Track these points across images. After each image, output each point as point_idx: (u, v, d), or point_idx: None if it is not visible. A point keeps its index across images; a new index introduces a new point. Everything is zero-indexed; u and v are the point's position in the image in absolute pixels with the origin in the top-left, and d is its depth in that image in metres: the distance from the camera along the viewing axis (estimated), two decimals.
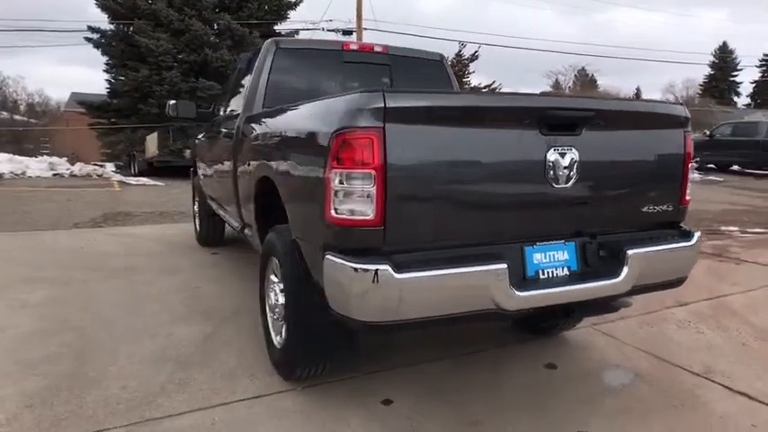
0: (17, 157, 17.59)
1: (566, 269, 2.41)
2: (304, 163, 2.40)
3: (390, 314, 2.07)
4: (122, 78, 18.84)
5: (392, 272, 1.99)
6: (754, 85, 48.42)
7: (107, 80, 19.91)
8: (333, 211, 2.10)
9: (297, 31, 21.92)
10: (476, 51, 25.00)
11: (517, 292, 2.18)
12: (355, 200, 2.05)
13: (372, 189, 2.02)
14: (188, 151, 16.48)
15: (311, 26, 22.46)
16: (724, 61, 48.27)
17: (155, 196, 11.57)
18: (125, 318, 3.88)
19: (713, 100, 40.91)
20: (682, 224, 2.79)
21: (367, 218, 2.04)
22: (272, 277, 3.08)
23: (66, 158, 19.36)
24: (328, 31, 22.12)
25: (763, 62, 47.16)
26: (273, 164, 2.82)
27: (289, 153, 2.59)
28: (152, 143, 15.69)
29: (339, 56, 4.03)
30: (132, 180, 14.87)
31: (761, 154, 17.57)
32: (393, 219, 2.05)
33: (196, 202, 6.33)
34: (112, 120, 20.17)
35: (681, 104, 2.75)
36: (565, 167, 2.30)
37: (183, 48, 18.09)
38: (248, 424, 2.56)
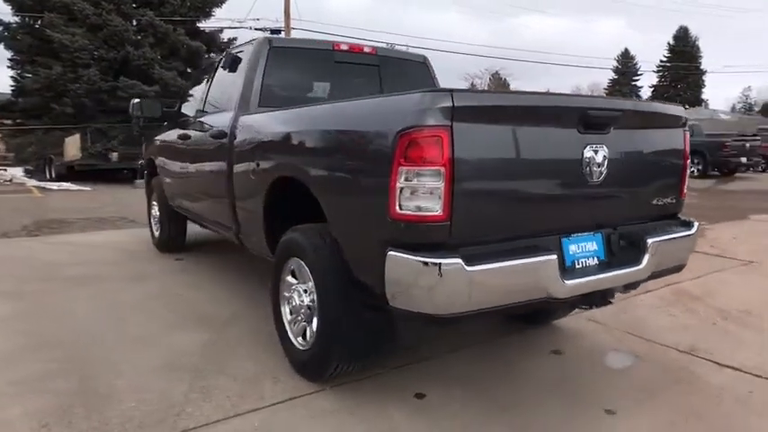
0: None
1: (595, 259, 2.58)
2: (357, 161, 2.41)
3: (458, 306, 2.14)
4: (30, 75, 17.53)
5: (464, 265, 2.05)
6: (652, 89, 52.51)
7: (12, 77, 18.46)
8: (398, 208, 2.13)
9: (222, 29, 21.33)
10: None
11: (566, 281, 2.32)
12: (422, 196, 2.10)
13: (440, 185, 2.07)
14: (115, 154, 15.69)
15: (237, 24, 21.91)
16: (626, 66, 52.04)
17: (85, 202, 10.88)
18: (111, 329, 3.68)
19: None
20: (679, 215, 3.06)
21: (434, 213, 2.09)
22: (290, 279, 3.04)
23: None
24: (255, 29, 21.64)
25: (660, 68, 51.28)
26: (304, 163, 2.79)
27: (332, 152, 2.58)
28: (73, 146, 14.71)
29: (330, 56, 4.03)
30: (53, 185, 13.86)
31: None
32: (458, 214, 2.11)
33: (155, 206, 6.03)
34: (18, 120, 18.70)
35: (681, 106, 3.01)
36: (598, 164, 2.46)
37: (102, 44, 17.09)
38: (292, 426, 2.53)
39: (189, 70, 19.72)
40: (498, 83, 59.92)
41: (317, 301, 2.73)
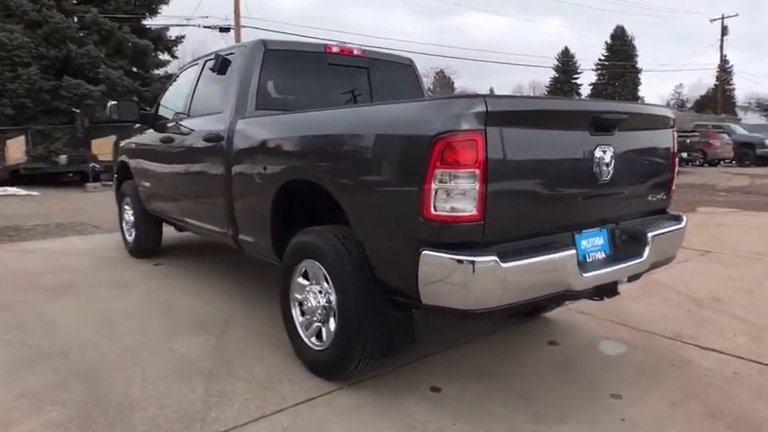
0: None
1: (602, 253, 2.74)
2: (388, 165, 2.47)
3: (490, 302, 2.24)
4: None
5: (498, 262, 2.16)
6: (591, 87, 54.65)
7: None
8: (432, 209, 2.22)
9: (168, 27, 20.76)
10: None
11: (583, 275, 2.47)
12: (457, 197, 2.19)
13: (475, 187, 2.17)
14: (63, 157, 15.02)
15: (185, 22, 21.38)
16: (566, 65, 53.91)
17: (37, 207, 10.39)
18: (106, 338, 3.59)
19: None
20: (668, 210, 3.28)
21: (469, 214, 2.19)
22: (301, 280, 3.07)
23: None
24: (204, 27, 21.21)
25: (598, 66, 53.38)
26: (323, 167, 2.82)
27: (359, 156, 2.62)
28: (17, 148, 14.00)
29: (323, 58, 4.06)
30: None
31: None
32: (490, 213, 2.22)
33: (128, 211, 5.87)
34: None
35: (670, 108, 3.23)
36: (606, 163, 2.62)
37: (42, 42, 16.32)
38: (320, 425, 2.57)
39: (135, 69, 19.16)
40: (443, 81, 60.86)
41: (336, 302, 2.77)
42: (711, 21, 43.53)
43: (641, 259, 2.80)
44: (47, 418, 2.59)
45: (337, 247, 2.73)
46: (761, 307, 4.29)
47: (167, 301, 4.35)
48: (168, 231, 5.85)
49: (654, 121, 3.04)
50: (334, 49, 4.10)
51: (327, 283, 2.85)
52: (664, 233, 2.94)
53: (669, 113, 3.15)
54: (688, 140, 19.59)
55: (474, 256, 2.16)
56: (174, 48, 20.97)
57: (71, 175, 15.67)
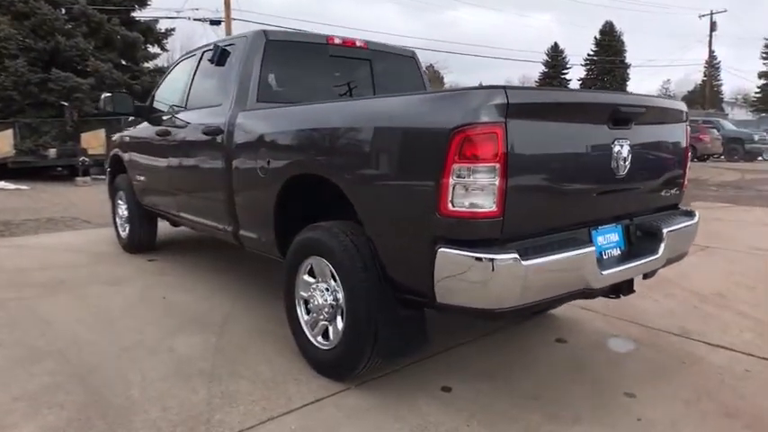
0: None
1: (618, 249, 2.68)
2: (402, 159, 2.38)
3: (510, 300, 2.17)
4: None
5: (519, 259, 2.09)
6: (580, 82, 54.65)
7: None
8: (450, 205, 2.13)
9: (158, 20, 20.46)
10: None
11: (602, 272, 2.40)
12: (476, 193, 2.11)
13: (495, 182, 2.09)
14: (53, 150, 14.77)
15: (175, 14, 21.06)
16: (556, 60, 53.87)
17: (27, 202, 10.20)
18: (104, 337, 3.49)
19: None
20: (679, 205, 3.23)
21: (488, 210, 2.11)
22: (307, 278, 2.98)
23: None
24: (195, 20, 20.93)
25: (587, 61, 53.40)
26: (332, 161, 2.73)
27: (370, 150, 2.52)
28: (5, 141, 13.73)
29: (325, 49, 3.96)
30: None
31: None
32: (510, 209, 2.14)
33: (121, 205, 5.74)
34: None
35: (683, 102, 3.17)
36: (624, 158, 2.56)
37: (29, 33, 16.01)
38: (329, 427, 2.49)
39: (124, 62, 18.86)
40: (433, 76, 60.72)
41: (344, 300, 2.69)
42: (700, 17, 43.82)
43: (657, 256, 2.74)
44: (44, 421, 2.49)
45: (345, 244, 2.65)
46: (763, 303, 4.26)
47: (164, 298, 4.24)
48: (162, 226, 5.74)
49: (668, 115, 2.98)
50: (337, 41, 4.00)
51: (335, 280, 2.76)
52: (679, 229, 2.89)
53: (683, 107, 3.09)
54: None
55: (494, 253, 2.09)
56: (165, 40, 20.70)
57: (60, 169, 15.43)
